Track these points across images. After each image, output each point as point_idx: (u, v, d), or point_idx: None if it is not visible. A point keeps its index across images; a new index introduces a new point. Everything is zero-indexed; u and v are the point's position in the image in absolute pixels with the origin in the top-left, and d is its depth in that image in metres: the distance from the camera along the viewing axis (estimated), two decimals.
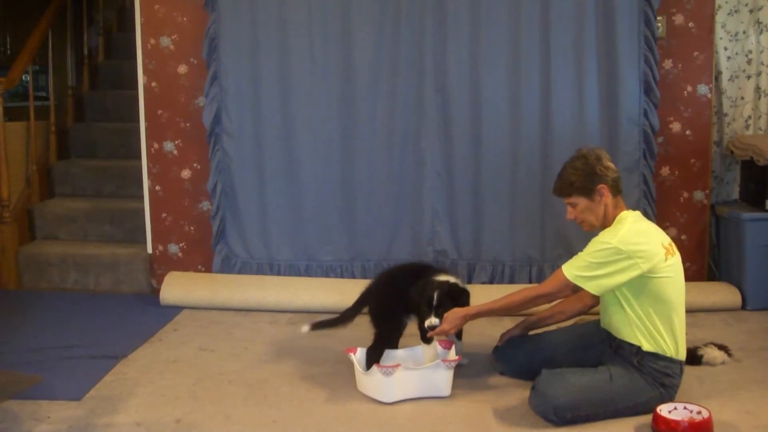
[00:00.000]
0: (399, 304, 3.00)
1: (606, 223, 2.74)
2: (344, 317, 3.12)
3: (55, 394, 2.81)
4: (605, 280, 2.61)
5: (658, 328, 2.62)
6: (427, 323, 2.82)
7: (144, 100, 4.22)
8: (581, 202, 2.74)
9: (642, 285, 2.61)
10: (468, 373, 3.03)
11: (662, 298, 2.62)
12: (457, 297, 2.89)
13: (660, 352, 2.63)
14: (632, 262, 2.57)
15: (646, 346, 2.63)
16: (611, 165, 2.75)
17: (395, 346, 3.01)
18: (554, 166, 4.02)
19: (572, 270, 2.66)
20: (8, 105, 4.60)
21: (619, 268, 2.59)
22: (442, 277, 2.94)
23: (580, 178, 2.72)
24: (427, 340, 2.97)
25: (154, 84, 4.20)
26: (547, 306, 3.12)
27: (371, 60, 4.05)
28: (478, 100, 4.05)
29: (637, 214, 2.76)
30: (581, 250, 3.96)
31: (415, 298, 2.89)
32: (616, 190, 2.73)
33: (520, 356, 2.98)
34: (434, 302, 2.82)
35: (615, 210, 2.74)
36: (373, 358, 2.88)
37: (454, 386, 2.83)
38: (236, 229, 4.21)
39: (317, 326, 3.13)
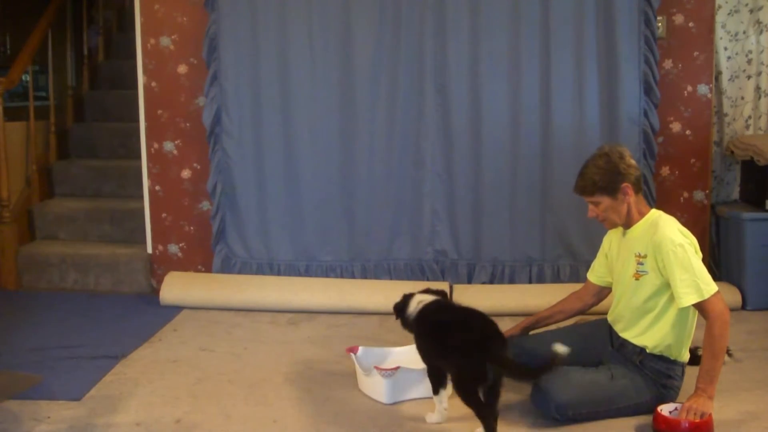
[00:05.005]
0: None
1: (630, 221, 2.72)
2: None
3: (55, 394, 2.80)
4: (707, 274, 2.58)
5: (678, 331, 2.62)
6: None
7: (144, 100, 4.22)
8: (604, 201, 2.70)
9: None
10: None
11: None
12: None
13: (664, 354, 2.64)
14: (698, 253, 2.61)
15: (651, 348, 2.64)
16: (633, 163, 2.71)
17: None
18: (554, 166, 4.05)
19: (703, 289, 2.52)
20: (8, 105, 4.59)
21: (699, 259, 2.60)
22: None
23: (604, 177, 2.67)
24: None
25: (154, 84, 4.20)
26: (547, 305, 3.13)
27: (371, 60, 4.05)
28: (478, 100, 4.05)
29: (665, 214, 2.74)
30: (581, 250, 4.03)
31: None
32: (638, 188, 2.71)
33: (521, 356, 2.97)
34: None
35: (638, 207, 2.71)
36: None
37: None
38: (236, 229, 4.21)
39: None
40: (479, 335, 2.43)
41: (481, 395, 2.37)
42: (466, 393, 2.39)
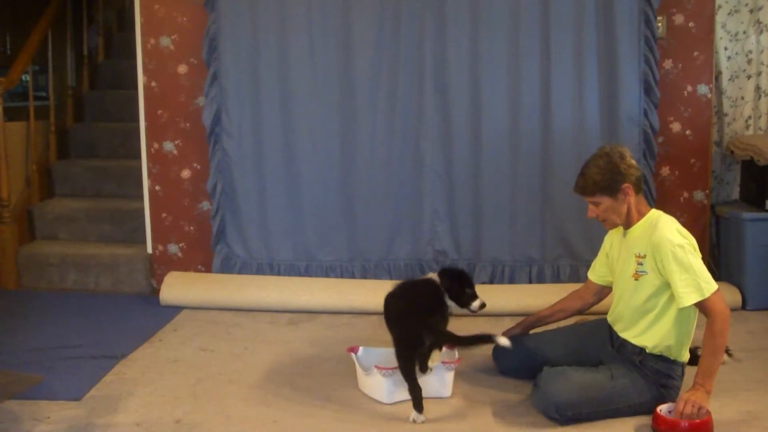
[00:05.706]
0: None
1: (630, 221, 2.72)
2: None
3: (55, 394, 2.80)
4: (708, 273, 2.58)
5: (678, 331, 2.62)
6: None
7: (144, 100, 4.22)
8: (605, 201, 2.70)
9: None
10: (468, 373, 3.03)
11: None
12: None
13: (664, 354, 2.64)
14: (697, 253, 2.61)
15: (651, 348, 2.64)
16: (634, 163, 2.71)
17: None
18: (554, 166, 4.05)
19: (703, 288, 2.52)
20: (8, 105, 4.60)
21: (699, 258, 2.59)
22: None
23: (605, 177, 2.67)
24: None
25: (154, 84, 4.20)
26: (547, 305, 3.14)
27: (371, 60, 4.05)
28: (478, 100, 4.05)
29: (665, 214, 2.74)
30: (581, 250, 4.03)
31: None
32: (638, 188, 2.71)
33: (521, 355, 2.97)
34: None
35: (638, 208, 2.71)
36: None
37: (454, 386, 2.83)
38: (236, 229, 4.21)
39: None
40: (416, 306, 2.73)
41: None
42: (404, 360, 2.63)
